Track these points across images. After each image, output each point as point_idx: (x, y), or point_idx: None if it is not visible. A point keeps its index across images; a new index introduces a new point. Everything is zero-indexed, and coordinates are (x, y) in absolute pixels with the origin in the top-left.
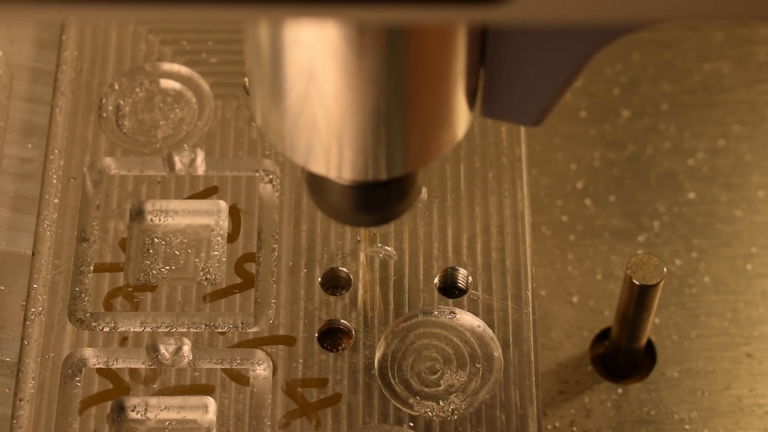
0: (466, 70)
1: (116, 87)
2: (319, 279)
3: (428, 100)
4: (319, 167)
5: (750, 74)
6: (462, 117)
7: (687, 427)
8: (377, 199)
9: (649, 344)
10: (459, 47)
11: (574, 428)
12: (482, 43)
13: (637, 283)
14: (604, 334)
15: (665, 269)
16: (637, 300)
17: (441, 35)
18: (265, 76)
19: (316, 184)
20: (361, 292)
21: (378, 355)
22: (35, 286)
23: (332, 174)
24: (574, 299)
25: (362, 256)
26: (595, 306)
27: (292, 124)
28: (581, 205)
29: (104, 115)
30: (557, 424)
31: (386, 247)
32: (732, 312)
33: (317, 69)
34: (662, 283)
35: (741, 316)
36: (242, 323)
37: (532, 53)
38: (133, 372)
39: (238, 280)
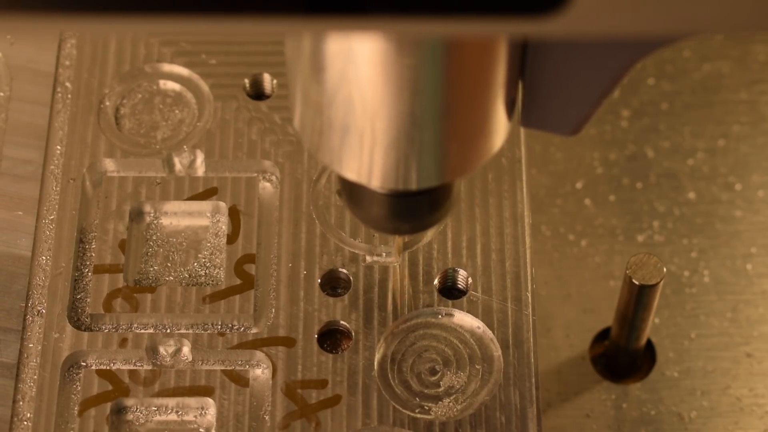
0: (507, 80)
1: (116, 88)
2: (319, 280)
3: (469, 110)
4: (355, 175)
5: (750, 74)
6: (501, 127)
7: (687, 427)
8: (414, 208)
9: (649, 344)
10: (501, 58)
11: (574, 428)
12: (522, 54)
13: (637, 283)
14: (604, 334)
15: (665, 269)
16: (637, 300)
17: (485, 46)
18: (305, 83)
19: (353, 192)
20: (391, 296)
21: (378, 356)
22: (35, 287)
23: (372, 183)
24: (574, 299)
25: (397, 267)
26: (595, 306)
27: (333, 134)
28: (581, 205)
29: (103, 115)
30: (557, 424)
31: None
32: (732, 312)
33: (358, 78)
34: (662, 283)
35: (741, 316)
36: (242, 324)
37: (572, 64)
38: (133, 373)
39: (238, 282)
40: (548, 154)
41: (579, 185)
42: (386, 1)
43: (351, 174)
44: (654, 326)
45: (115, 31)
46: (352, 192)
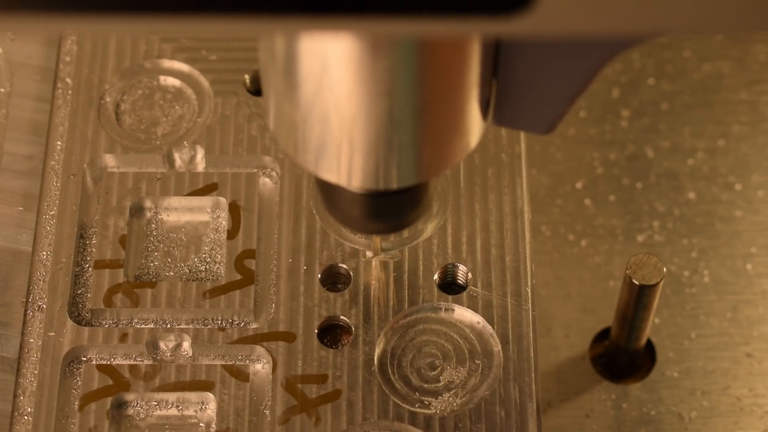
0: (480, 79)
1: (116, 84)
2: (319, 276)
3: (442, 110)
4: (332, 175)
5: (750, 74)
6: (475, 126)
7: (687, 427)
8: (390, 208)
9: (649, 344)
10: (473, 57)
11: (574, 428)
12: (496, 53)
13: (636, 283)
14: (604, 334)
15: (665, 269)
16: (637, 300)
17: (457, 46)
18: (279, 84)
19: (328, 191)
20: (372, 293)
21: (378, 351)
22: (35, 282)
23: (346, 182)
24: (574, 299)
25: (374, 263)
26: (595, 306)
27: (306, 133)
28: (581, 205)
29: (104, 111)
30: (557, 424)
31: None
32: (732, 312)
33: (331, 79)
34: (662, 283)
35: (741, 316)
36: (242, 320)
37: (543, 63)
38: (133, 368)
39: (238, 277)
40: (548, 154)
41: (579, 185)
42: (354, 1)
43: (327, 175)
44: (654, 326)
45: (115, 31)
46: (328, 193)
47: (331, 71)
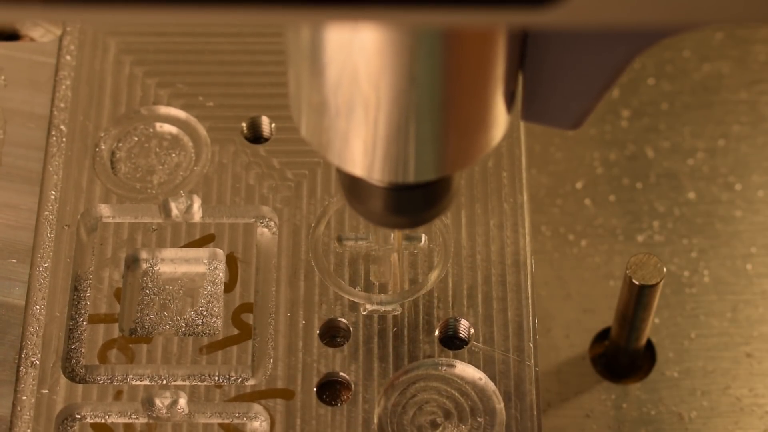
0: (506, 72)
1: (111, 131)
2: (318, 330)
3: (469, 102)
4: (356, 169)
5: (750, 74)
6: (500, 120)
7: (687, 427)
8: (413, 202)
9: (649, 344)
10: (501, 49)
11: (574, 428)
12: (522, 46)
13: (636, 283)
14: (604, 334)
15: (665, 269)
16: (637, 300)
17: (485, 37)
18: (307, 78)
19: (352, 185)
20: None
21: (378, 409)
22: (29, 337)
23: (372, 176)
24: (574, 299)
25: (395, 257)
26: (595, 306)
27: (332, 125)
28: (581, 205)
29: (99, 159)
30: (557, 424)
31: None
32: (732, 312)
33: (359, 71)
34: (662, 283)
35: (741, 316)
36: (239, 376)
37: (573, 56)
38: (128, 426)
39: (236, 332)
40: (548, 154)
41: (579, 185)
42: None
43: (351, 167)
44: (654, 326)
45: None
46: (352, 186)
47: (357, 62)
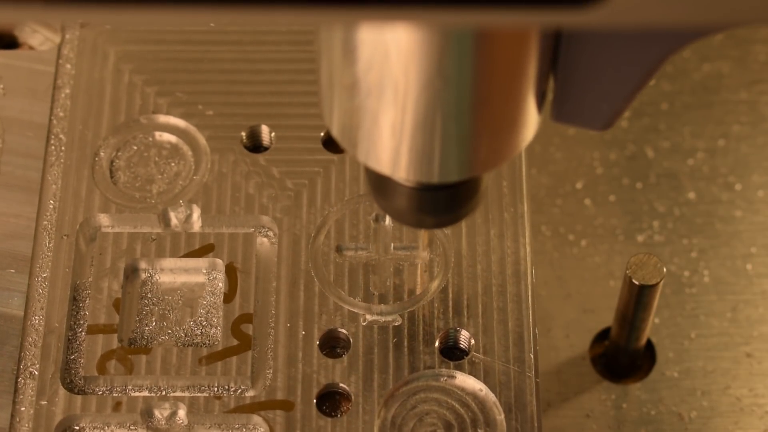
0: (538, 72)
1: (111, 140)
2: (318, 341)
3: (500, 102)
4: (385, 168)
5: (750, 74)
6: (531, 120)
7: (687, 427)
8: (442, 202)
9: (649, 344)
10: (534, 49)
11: (574, 428)
12: (555, 46)
13: (636, 283)
14: (604, 334)
15: (665, 269)
16: (637, 300)
17: (518, 37)
18: (337, 79)
19: (379, 183)
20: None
21: (378, 420)
22: (27, 348)
23: (399, 175)
24: (574, 299)
25: (425, 254)
26: (595, 306)
27: (363, 125)
28: (581, 205)
29: (98, 168)
30: (557, 424)
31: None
32: (732, 312)
33: (392, 70)
34: (662, 283)
35: (741, 316)
36: (239, 387)
37: (606, 57)
38: None
39: (235, 342)
40: (548, 154)
41: (579, 185)
42: None
43: (378, 165)
44: (654, 326)
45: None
46: (378, 183)
47: (390, 61)
